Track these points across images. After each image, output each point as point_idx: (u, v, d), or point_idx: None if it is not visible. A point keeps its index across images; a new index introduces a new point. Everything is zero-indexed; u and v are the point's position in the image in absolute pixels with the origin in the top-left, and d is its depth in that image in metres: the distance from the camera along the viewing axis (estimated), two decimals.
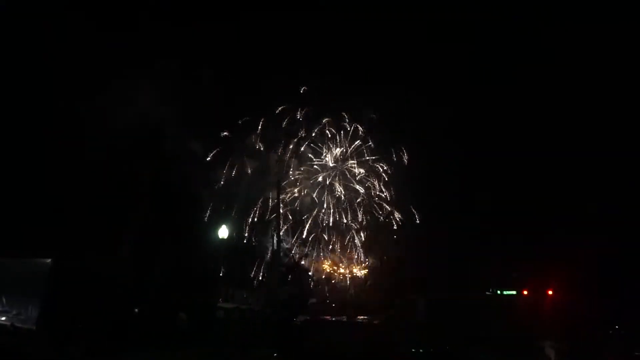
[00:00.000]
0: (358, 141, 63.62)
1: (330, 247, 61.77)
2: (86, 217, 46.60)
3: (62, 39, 48.34)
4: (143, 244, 46.29)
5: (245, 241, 59.16)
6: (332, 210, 61.76)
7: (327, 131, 63.72)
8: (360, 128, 63.80)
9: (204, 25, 59.10)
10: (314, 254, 60.56)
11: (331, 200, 62.19)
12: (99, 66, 50.56)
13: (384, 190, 62.73)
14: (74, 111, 47.68)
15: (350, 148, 63.83)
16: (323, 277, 60.42)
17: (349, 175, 63.11)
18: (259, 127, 61.82)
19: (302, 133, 62.91)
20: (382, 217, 61.95)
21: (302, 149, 62.77)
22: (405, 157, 62.62)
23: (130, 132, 49.04)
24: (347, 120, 63.74)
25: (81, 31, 49.30)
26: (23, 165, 47.28)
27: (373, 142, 63.35)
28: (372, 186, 62.96)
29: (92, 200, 47.32)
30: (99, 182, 48.13)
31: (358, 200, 62.55)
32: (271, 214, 59.22)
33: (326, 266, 61.28)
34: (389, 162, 63.13)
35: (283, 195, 56.84)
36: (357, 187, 62.87)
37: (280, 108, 61.78)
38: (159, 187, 49.87)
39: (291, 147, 62.69)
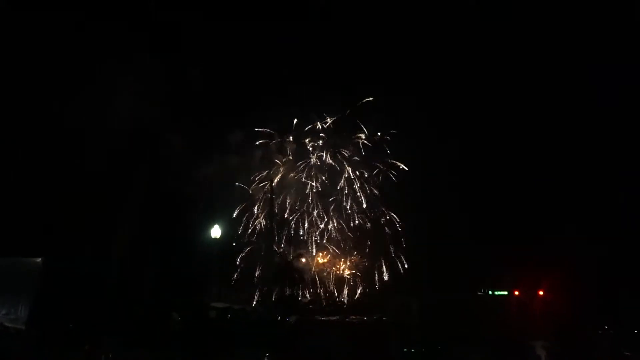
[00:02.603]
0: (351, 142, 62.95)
1: (323, 246, 61.46)
2: (77, 217, 46.12)
3: (56, 40, 47.89)
4: (134, 243, 45.87)
5: (235, 242, 58.61)
6: (319, 209, 61.44)
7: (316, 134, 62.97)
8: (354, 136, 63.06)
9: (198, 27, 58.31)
10: (306, 254, 60.18)
11: (320, 200, 61.68)
12: (90, 67, 50.10)
13: (375, 191, 62.06)
14: (64, 111, 47.34)
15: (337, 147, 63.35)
16: (316, 276, 60.01)
17: (339, 175, 62.67)
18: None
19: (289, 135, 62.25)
20: (371, 219, 61.32)
21: (288, 147, 62.17)
22: (399, 165, 61.74)
23: (120, 133, 48.55)
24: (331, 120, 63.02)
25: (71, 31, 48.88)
26: (15, 166, 46.70)
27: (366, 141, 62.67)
28: (363, 188, 62.33)
29: (83, 200, 46.75)
30: (90, 183, 47.68)
31: (348, 202, 62.13)
32: (262, 213, 58.99)
33: (319, 264, 60.91)
34: (381, 163, 62.27)
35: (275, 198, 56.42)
36: (347, 188, 62.38)
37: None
38: (150, 187, 49.47)
39: (274, 143, 62.03)
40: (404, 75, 61.19)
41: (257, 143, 60.88)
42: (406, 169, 61.04)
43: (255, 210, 60.58)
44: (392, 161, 61.33)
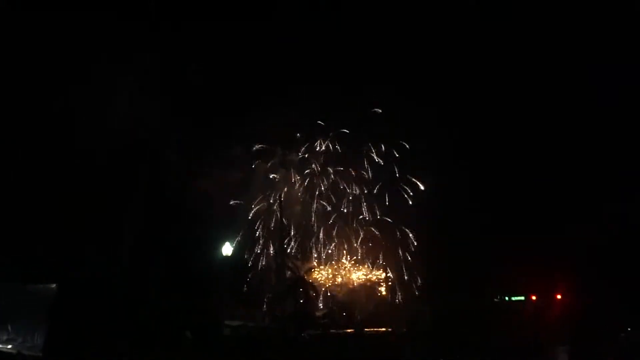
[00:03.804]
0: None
1: (334, 261, 61.83)
2: (80, 219, 46.87)
3: (55, 40, 48.60)
4: (139, 251, 46.57)
5: (244, 258, 59.14)
6: (328, 224, 61.75)
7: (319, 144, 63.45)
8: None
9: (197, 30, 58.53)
10: (317, 268, 60.61)
11: (329, 214, 62.08)
12: (90, 67, 51.20)
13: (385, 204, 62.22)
14: (64, 112, 48.88)
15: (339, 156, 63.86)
16: (327, 290, 60.41)
17: (347, 189, 62.82)
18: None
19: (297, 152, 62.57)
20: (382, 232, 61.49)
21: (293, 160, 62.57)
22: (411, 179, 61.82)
23: (120, 134, 49.26)
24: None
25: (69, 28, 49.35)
26: (15, 167, 47.26)
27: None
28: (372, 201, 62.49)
29: (85, 202, 47.68)
30: (92, 185, 48.77)
31: (359, 216, 62.37)
32: (271, 229, 59.54)
33: (330, 278, 61.31)
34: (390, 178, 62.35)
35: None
36: (356, 202, 62.62)
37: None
38: (155, 196, 50.09)
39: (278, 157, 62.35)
40: (405, 75, 61.98)
41: (258, 161, 61.89)
42: (422, 187, 61.34)
43: (262, 227, 61.51)
44: (403, 176, 61.77)
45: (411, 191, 61.37)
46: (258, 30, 62.26)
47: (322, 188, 62.39)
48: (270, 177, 62.21)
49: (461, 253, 54.99)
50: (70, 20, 49.60)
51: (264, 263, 60.36)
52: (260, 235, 61.45)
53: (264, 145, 61.87)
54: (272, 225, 60.06)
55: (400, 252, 60.81)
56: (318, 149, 63.55)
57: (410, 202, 61.10)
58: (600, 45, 58.62)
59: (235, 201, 59.83)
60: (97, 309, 35.36)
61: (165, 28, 56.36)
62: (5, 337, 34.49)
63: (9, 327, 34.85)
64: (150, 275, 44.91)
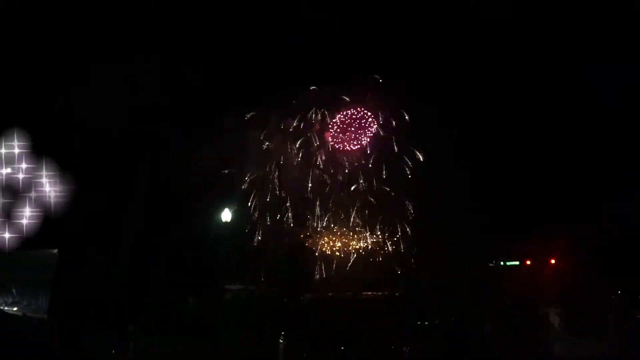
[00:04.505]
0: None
1: (331, 226, 62.79)
2: (84, 226, 47.61)
3: (55, 39, 49.97)
4: (142, 253, 47.47)
5: (243, 224, 60.01)
6: (325, 191, 62.75)
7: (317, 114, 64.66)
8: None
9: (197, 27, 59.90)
10: (315, 233, 61.46)
11: (325, 180, 63.17)
12: (92, 68, 52.32)
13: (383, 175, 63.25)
14: (68, 116, 49.96)
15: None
16: (326, 255, 61.16)
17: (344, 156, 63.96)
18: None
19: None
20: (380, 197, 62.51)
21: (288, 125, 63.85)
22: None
23: (119, 132, 50.48)
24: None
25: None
26: None
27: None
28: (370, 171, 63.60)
29: (88, 208, 48.15)
30: (96, 190, 49.29)
31: (354, 185, 63.37)
32: (267, 197, 60.65)
33: (328, 242, 62.11)
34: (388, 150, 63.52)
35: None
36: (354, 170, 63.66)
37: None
38: (156, 179, 51.07)
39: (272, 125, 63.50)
40: (405, 74, 62.82)
41: (252, 129, 62.72)
42: (421, 158, 62.48)
43: (258, 195, 62.42)
44: (401, 146, 62.91)
45: (410, 161, 62.49)
46: (258, 30, 63.43)
47: (319, 157, 63.44)
48: (265, 145, 63.33)
49: (461, 253, 55.67)
50: (70, 20, 51.03)
51: (261, 230, 61.41)
52: (257, 203, 62.48)
53: (257, 112, 62.96)
54: (269, 192, 61.21)
55: (397, 221, 61.99)
56: (314, 117, 64.64)
57: (409, 172, 62.10)
58: (600, 45, 59.45)
59: (230, 170, 60.77)
60: (99, 280, 36.46)
61: (165, 28, 57.64)
62: (10, 300, 35.83)
63: (14, 291, 36.12)
64: (150, 275, 45.54)
